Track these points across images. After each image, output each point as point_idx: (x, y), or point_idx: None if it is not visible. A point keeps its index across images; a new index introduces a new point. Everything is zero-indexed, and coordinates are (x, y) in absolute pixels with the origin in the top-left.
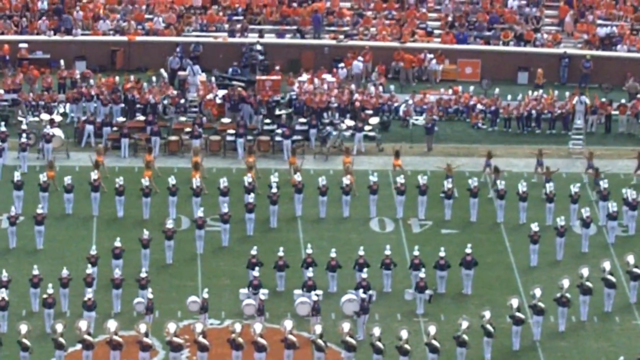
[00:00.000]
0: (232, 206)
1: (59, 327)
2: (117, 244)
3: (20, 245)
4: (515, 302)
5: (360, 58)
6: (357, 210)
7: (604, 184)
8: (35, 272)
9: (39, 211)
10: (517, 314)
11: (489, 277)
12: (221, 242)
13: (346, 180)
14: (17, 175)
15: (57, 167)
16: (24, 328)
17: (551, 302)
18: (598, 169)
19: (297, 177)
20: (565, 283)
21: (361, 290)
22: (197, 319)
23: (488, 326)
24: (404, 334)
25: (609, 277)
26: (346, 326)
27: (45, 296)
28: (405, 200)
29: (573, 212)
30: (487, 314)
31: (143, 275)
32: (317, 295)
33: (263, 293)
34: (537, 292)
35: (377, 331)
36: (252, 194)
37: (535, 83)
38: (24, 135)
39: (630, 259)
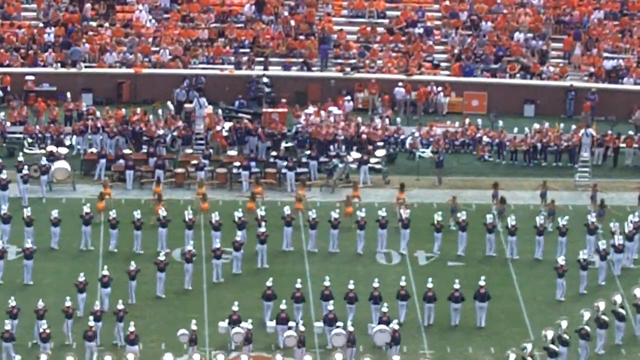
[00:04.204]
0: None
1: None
2: (105, 272)
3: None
4: (550, 334)
5: (400, 84)
6: (363, 243)
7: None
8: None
9: (28, 245)
10: (552, 346)
11: (495, 310)
12: (233, 270)
13: (361, 214)
14: (3, 209)
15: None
16: None
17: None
18: (603, 200)
19: (312, 214)
20: (586, 315)
21: (395, 321)
22: (240, 350)
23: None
24: None
25: (620, 310)
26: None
27: (86, 329)
28: (411, 233)
29: (588, 243)
30: (529, 347)
31: (120, 307)
32: (352, 326)
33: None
34: (564, 324)
35: None
36: (263, 227)
37: None
38: (26, 167)
39: (637, 291)
